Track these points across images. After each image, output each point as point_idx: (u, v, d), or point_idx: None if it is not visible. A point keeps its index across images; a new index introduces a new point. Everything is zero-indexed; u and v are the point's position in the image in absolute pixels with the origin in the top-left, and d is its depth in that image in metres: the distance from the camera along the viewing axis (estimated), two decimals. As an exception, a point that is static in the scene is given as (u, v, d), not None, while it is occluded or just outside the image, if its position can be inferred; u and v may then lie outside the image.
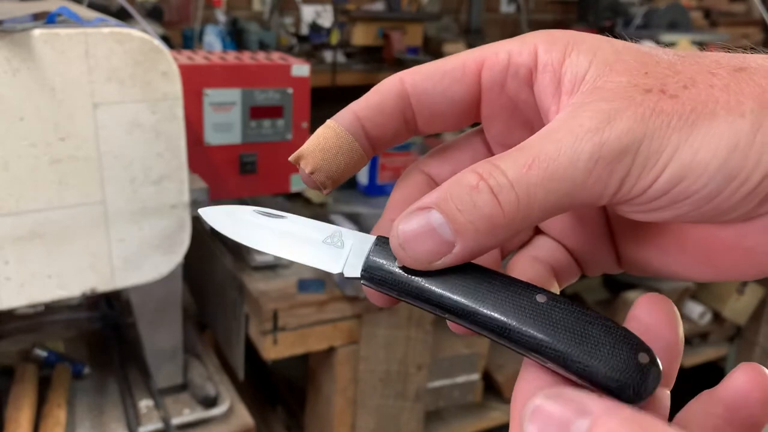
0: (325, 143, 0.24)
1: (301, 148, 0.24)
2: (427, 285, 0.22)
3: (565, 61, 0.23)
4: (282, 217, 0.24)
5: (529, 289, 0.22)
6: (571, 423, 0.18)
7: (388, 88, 0.25)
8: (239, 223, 0.25)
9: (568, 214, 0.26)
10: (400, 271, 0.22)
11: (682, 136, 0.20)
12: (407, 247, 0.22)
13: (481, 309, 0.22)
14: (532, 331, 0.21)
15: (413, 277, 0.22)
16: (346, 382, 1.18)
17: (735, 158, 0.20)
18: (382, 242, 0.23)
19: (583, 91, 0.22)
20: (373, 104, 0.25)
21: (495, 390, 1.48)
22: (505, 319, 0.21)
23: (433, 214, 0.21)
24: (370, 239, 0.24)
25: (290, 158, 0.24)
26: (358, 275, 0.23)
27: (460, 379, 1.37)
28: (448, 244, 0.21)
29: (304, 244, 0.24)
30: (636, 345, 0.20)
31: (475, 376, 1.38)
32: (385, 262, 0.23)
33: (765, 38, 3.35)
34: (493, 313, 0.21)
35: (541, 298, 0.21)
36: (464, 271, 0.22)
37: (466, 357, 1.36)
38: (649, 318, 0.22)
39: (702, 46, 2.38)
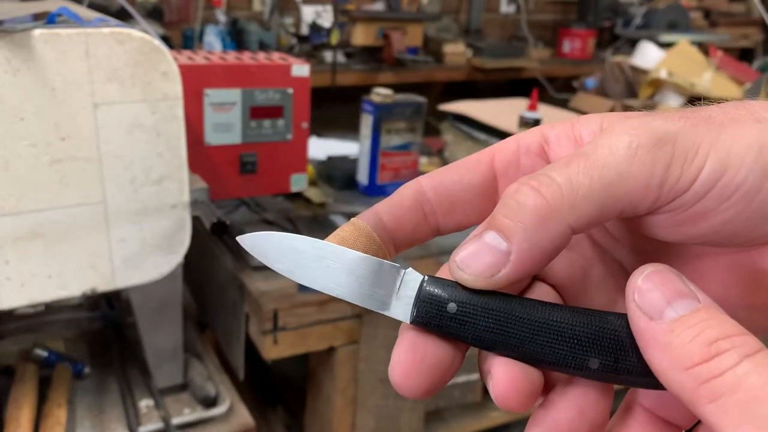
0: (342, 233, 0.24)
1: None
2: (487, 319, 0.22)
3: (575, 126, 0.24)
4: (327, 253, 0.23)
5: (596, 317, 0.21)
6: (679, 297, 0.19)
7: (406, 187, 0.25)
8: (283, 256, 0.24)
9: (568, 262, 0.26)
10: (455, 305, 0.22)
11: (712, 135, 0.21)
12: (464, 266, 0.21)
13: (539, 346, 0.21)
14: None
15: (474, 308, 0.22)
16: (346, 382, 1.18)
17: (766, 153, 0.20)
18: (431, 280, 0.23)
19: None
20: (393, 201, 0.25)
21: (495, 390, 1.48)
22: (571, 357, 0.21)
23: (485, 234, 0.21)
24: (416, 278, 0.23)
25: None
26: (408, 320, 0.22)
27: (460, 379, 1.37)
28: (504, 254, 0.21)
29: (352, 284, 0.23)
30: None
31: (475, 376, 1.38)
32: (437, 298, 0.22)
33: (765, 38, 3.35)
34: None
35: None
36: (522, 302, 0.22)
37: (466, 357, 1.36)
38: None
39: (701, 46, 2.38)
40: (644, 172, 0.20)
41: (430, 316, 0.22)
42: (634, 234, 0.24)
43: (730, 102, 0.22)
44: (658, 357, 0.18)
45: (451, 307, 0.22)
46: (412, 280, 0.23)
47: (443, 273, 0.24)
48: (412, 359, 0.22)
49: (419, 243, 0.25)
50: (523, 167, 0.25)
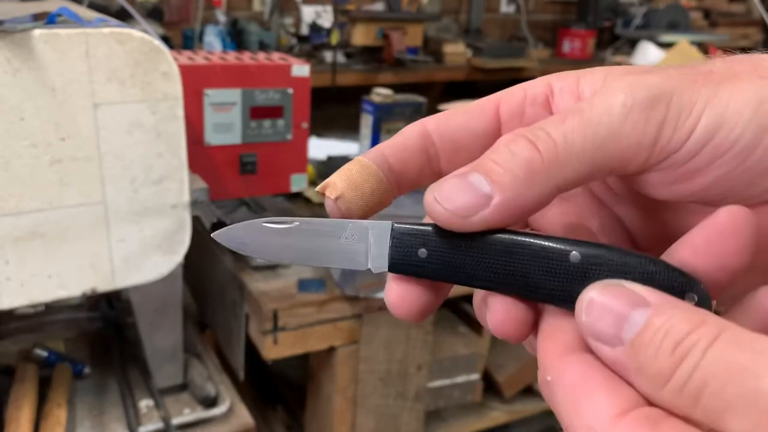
0: (349, 172, 0.24)
1: (327, 179, 0.24)
2: (459, 256, 0.22)
3: (580, 81, 0.24)
4: (293, 223, 0.24)
5: (562, 245, 0.21)
6: (627, 315, 0.18)
7: (411, 128, 0.25)
8: (256, 241, 0.24)
9: (563, 213, 0.26)
10: (427, 250, 0.22)
11: (710, 92, 0.20)
12: (442, 199, 0.21)
13: (515, 278, 0.21)
14: (571, 293, 0.20)
15: (444, 248, 0.22)
16: (346, 382, 1.18)
17: (764, 108, 0.20)
18: (400, 225, 0.23)
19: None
20: (398, 142, 0.25)
21: (495, 390, 1.48)
22: (542, 285, 0.21)
23: (470, 174, 0.21)
24: (386, 226, 0.23)
25: (317, 188, 0.24)
26: (386, 268, 0.23)
27: (460, 379, 1.37)
28: (485, 197, 0.20)
29: (326, 248, 0.24)
30: (683, 285, 0.20)
31: (475, 376, 1.38)
32: (410, 243, 0.23)
33: (765, 38, 3.35)
34: (528, 281, 0.21)
35: (575, 258, 0.21)
36: (495, 235, 0.22)
37: (466, 357, 1.36)
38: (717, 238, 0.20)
39: (701, 46, 2.38)
40: (636, 132, 0.20)
41: (403, 264, 0.23)
42: (632, 189, 0.24)
43: (737, 55, 0.22)
44: (638, 382, 0.18)
45: (422, 252, 0.22)
46: (381, 232, 0.23)
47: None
48: (399, 302, 0.23)
49: (422, 185, 0.25)
50: (527, 117, 0.25)
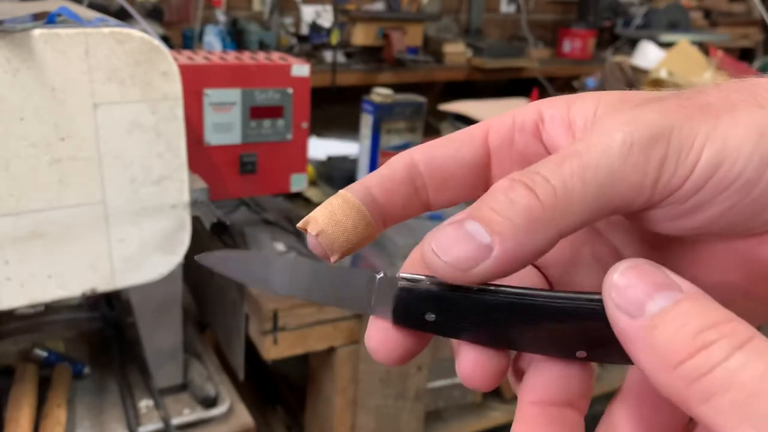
0: (331, 207, 0.23)
1: (309, 214, 0.24)
2: (473, 318, 0.21)
3: (571, 108, 0.23)
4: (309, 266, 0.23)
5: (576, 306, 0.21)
6: (659, 291, 0.18)
7: (397, 159, 0.24)
8: (260, 269, 0.24)
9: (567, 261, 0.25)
10: (433, 315, 0.22)
11: (709, 126, 0.20)
12: (440, 251, 0.20)
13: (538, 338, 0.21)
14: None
15: (456, 312, 0.21)
16: (346, 382, 1.18)
17: (765, 141, 0.19)
18: (404, 291, 0.22)
19: (599, 117, 0.22)
20: (383, 174, 0.24)
21: (495, 390, 1.48)
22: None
23: (467, 222, 0.20)
24: (391, 284, 0.22)
25: (298, 224, 0.24)
26: (390, 319, 0.22)
27: (460, 379, 1.37)
28: (485, 248, 0.19)
29: (330, 289, 0.23)
30: None
31: (475, 376, 1.38)
32: (414, 308, 0.22)
33: (765, 38, 3.35)
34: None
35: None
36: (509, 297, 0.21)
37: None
38: None
39: (702, 46, 2.38)
40: (637, 172, 0.20)
41: (409, 323, 0.22)
42: (633, 222, 0.24)
43: (731, 83, 0.21)
44: (644, 357, 0.17)
45: (430, 317, 0.22)
46: (385, 286, 0.22)
47: (413, 259, 0.24)
48: (384, 348, 0.23)
49: (409, 218, 0.25)
50: (517, 145, 0.24)
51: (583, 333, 0.21)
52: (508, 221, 0.19)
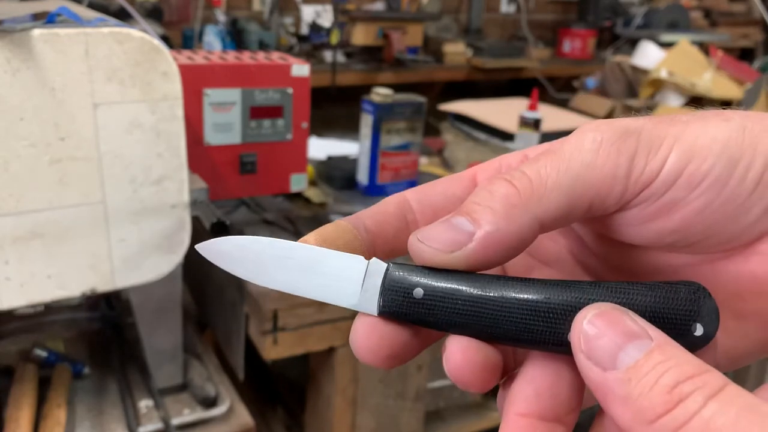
0: (324, 232, 0.24)
1: (301, 238, 0.25)
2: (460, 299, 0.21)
3: (553, 144, 0.25)
4: (294, 248, 0.23)
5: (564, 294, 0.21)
6: (630, 341, 0.18)
7: (390, 197, 0.26)
8: (250, 261, 0.24)
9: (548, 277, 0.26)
10: (421, 290, 0.22)
11: (678, 130, 0.21)
12: (425, 239, 0.21)
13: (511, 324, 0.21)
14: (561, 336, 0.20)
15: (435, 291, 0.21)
16: (346, 382, 1.18)
17: (733, 144, 0.20)
18: (395, 266, 0.23)
19: None
20: (377, 208, 0.25)
21: (495, 390, 1.48)
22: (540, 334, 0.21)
23: (453, 218, 0.21)
24: (381, 267, 0.23)
25: None
26: (376, 312, 0.22)
27: (460, 379, 1.37)
28: (467, 234, 0.21)
29: (318, 281, 0.23)
30: (690, 313, 0.20)
31: (475, 376, 1.38)
32: (402, 284, 0.22)
33: (765, 38, 3.35)
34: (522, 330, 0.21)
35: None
36: (480, 278, 0.22)
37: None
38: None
39: (702, 46, 2.38)
40: (609, 163, 0.21)
41: (396, 303, 0.22)
42: (614, 247, 0.24)
43: (698, 111, 0.23)
44: (619, 411, 0.17)
45: (418, 292, 0.22)
46: (376, 269, 0.23)
47: None
48: (369, 343, 0.22)
49: (399, 252, 0.25)
50: None
51: (573, 312, 0.21)
52: (488, 208, 0.21)
